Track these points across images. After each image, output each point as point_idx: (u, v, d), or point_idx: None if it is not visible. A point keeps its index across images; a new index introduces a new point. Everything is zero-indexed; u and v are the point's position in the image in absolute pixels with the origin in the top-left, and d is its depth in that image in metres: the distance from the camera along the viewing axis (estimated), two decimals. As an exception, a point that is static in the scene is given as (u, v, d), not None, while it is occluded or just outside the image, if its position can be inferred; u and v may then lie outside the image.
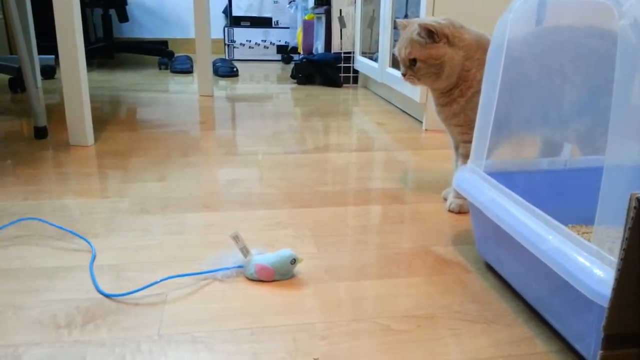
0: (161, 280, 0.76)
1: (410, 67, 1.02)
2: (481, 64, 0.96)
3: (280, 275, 0.78)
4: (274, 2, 3.75)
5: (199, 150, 1.46)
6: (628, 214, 0.46)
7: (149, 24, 4.00)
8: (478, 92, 0.88)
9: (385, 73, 2.13)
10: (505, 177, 0.77)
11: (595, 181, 0.58)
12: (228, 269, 0.79)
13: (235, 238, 0.78)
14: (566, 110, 0.89)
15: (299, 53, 3.25)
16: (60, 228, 0.93)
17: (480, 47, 0.99)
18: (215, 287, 0.76)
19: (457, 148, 1.10)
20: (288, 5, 3.68)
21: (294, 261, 0.77)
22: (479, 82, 0.94)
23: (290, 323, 0.68)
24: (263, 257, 0.79)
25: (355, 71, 2.70)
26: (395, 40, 2.18)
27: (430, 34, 0.98)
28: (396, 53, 1.07)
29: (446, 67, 0.99)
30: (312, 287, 0.77)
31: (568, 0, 0.86)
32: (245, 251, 0.79)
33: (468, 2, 1.66)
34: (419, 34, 0.99)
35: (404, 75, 1.05)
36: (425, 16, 1.67)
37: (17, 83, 2.27)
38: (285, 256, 0.77)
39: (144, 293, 0.73)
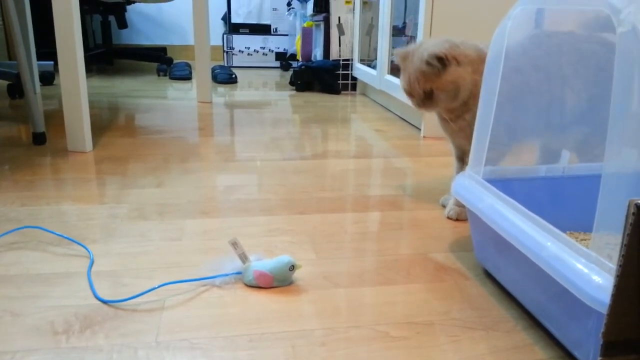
0: (159, 287, 0.75)
1: (427, 98, 1.00)
2: None
3: (279, 281, 0.78)
4: (273, 9, 3.76)
5: (197, 157, 1.46)
6: (627, 221, 0.46)
7: (148, 31, 4.01)
8: None
9: (384, 80, 2.14)
10: (504, 184, 0.78)
11: (593, 188, 0.58)
12: (226, 275, 0.79)
13: (234, 244, 0.78)
14: (565, 117, 0.89)
15: (298, 60, 3.26)
16: (62, 236, 0.93)
17: (482, 60, 0.97)
18: (213, 293, 0.76)
19: (460, 158, 1.09)
20: (287, 13, 3.70)
21: (292, 267, 0.77)
22: None
23: (289, 329, 0.67)
24: (261, 263, 0.78)
25: (354, 78, 2.70)
26: (394, 48, 2.19)
27: (441, 60, 0.96)
28: (403, 87, 1.04)
29: (462, 87, 0.97)
30: (310, 293, 0.76)
31: (566, 8, 0.86)
32: (243, 257, 0.79)
33: (466, 10, 1.67)
34: (428, 63, 0.96)
35: (418, 106, 1.02)
36: (424, 23, 1.67)
37: (16, 89, 2.28)
38: (284, 262, 0.77)
39: (142, 299, 0.73)
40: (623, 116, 0.55)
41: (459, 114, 1.02)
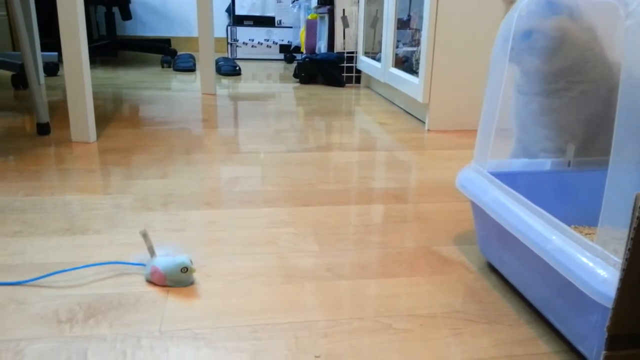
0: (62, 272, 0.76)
1: (522, 39, 0.84)
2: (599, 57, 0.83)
3: (173, 282, 0.75)
4: (277, 1, 3.74)
5: (201, 148, 1.46)
6: (633, 214, 0.46)
7: (152, 22, 4.00)
8: (585, 92, 0.82)
9: (388, 73, 2.13)
10: (509, 177, 0.77)
11: (599, 182, 0.58)
12: (130, 264, 0.78)
13: (144, 236, 0.76)
14: None
15: (302, 52, 3.25)
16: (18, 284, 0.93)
17: (598, 40, 0.83)
18: (217, 284, 0.76)
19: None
20: (291, 5, 3.68)
21: (185, 270, 0.74)
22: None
23: (292, 321, 0.68)
24: (161, 260, 0.76)
25: (358, 71, 2.69)
26: (399, 41, 2.18)
27: (551, 3, 0.81)
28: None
29: (567, 41, 0.81)
30: (313, 285, 0.77)
31: None
32: (151, 251, 0.77)
33: (472, 2, 1.66)
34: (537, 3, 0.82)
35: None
36: (429, 16, 1.66)
37: (20, 80, 2.28)
38: (176, 263, 0.74)
39: (145, 289, 0.73)
40: (630, 109, 0.55)
41: (556, 88, 0.84)
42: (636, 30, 0.54)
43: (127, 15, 3.57)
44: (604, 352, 0.50)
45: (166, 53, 3.26)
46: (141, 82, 2.62)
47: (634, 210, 0.46)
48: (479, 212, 0.80)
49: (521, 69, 0.87)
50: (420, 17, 1.84)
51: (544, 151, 0.89)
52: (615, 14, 0.57)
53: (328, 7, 2.76)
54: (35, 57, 2.29)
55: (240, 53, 3.74)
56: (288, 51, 3.72)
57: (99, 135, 1.56)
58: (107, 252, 0.84)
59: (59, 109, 1.90)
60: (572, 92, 0.84)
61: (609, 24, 0.81)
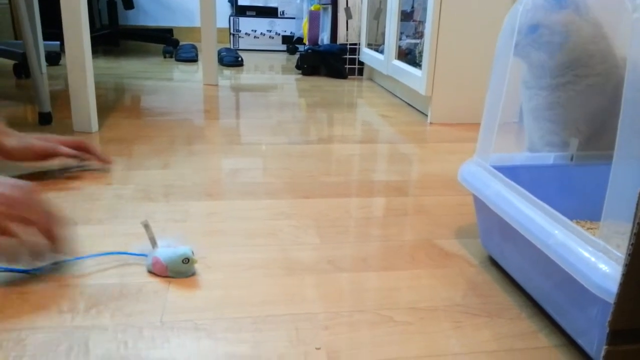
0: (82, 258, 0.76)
1: (529, 32, 0.84)
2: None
3: (174, 273, 0.75)
4: (280, -8, 3.73)
5: (202, 139, 1.46)
6: (637, 209, 0.46)
7: (155, 12, 3.99)
8: (592, 85, 0.82)
9: (391, 65, 2.12)
10: (511, 171, 0.77)
11: (602, 177, 0.58)
12: (131, 254, 0.78)
13: (146, 226, 0.76)
14: None
15: (305, 44, 3.24)
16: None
17: (605, 40, 0.84)
18: (218, 275, 0.76)
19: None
20: (294, -4, 3.67)
21: (187, 261, 0.74)
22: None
23: (293, 312, 0.68)
24: (163, 250, 0.76)
25: (361, 63, 2.68)
26: (402, 33, 2.17)
27: None
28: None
29: (571, 36, 0.82)
30: (314, 277, 0.77)
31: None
32: (153, 242, 0.77)
33: (476, -5, 1.65)
34: None
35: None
36: (433, 8, 1.65)
37: (22, 68, 2.27)
38: (177, 254, 0.74)
39: (147, 280, 0.73)
40: (635, 103, 0.54)
41: (563, 81, 0.85)
42: (642, 23, 0.53)
43: (129, 4, 3.56)
44: (605, 346, 0.50)
45: (168, 43, 3.25)
46: (143, 72, 2.61)
47: (637, 205, 0.46)
48: (480, 205, 0.79)
49: (527, 63, 0.88)
50: (424, 9, 1.83)
51: (549, 145, 0.89)
52: (621, 8, 0.56)
53: (331, -2, 2.75)
54: (37, 46, 2.29)
55: (243, 44, 3.72)
56: (291, 42, 3.71)
57: (100, 125, 1.55)
58: (108, 242, 0.84)
59: (61, 98, 1.90)
60: (579, 85, 0.84)
61: (615, 19, 0.81)
